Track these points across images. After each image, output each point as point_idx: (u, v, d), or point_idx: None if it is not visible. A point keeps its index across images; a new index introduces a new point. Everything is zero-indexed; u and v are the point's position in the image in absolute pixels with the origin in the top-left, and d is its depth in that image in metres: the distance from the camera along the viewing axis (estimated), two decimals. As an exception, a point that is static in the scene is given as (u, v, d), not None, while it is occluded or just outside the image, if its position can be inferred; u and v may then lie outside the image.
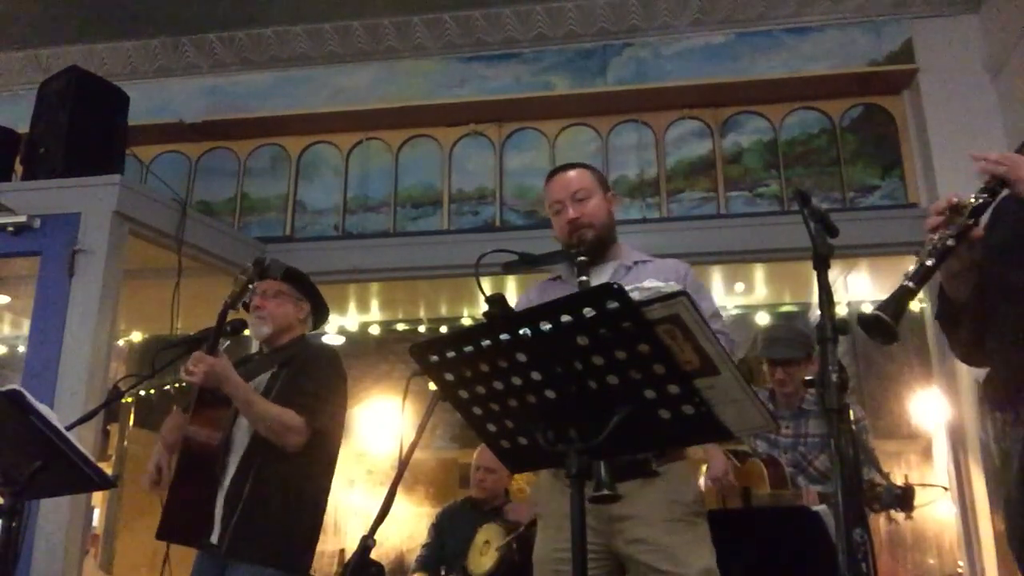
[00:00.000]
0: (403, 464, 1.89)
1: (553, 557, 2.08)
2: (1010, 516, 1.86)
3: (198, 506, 2.56)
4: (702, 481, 3.10)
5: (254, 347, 3.70)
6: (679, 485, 2.08)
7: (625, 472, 1.99)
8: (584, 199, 2.30)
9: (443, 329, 5.28)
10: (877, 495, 2.65)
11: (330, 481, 2.73)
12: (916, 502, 2.65)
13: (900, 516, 2.65)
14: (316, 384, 2.62)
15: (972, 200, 1.72)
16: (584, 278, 2.16)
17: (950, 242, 1.69)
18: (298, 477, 2.57)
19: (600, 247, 2.29)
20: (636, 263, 2.31)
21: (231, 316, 2.86)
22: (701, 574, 1.96)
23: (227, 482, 2.57)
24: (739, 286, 4.80)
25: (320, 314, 2.97)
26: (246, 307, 2.84)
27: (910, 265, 1.67)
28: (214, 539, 2.53)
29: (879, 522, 3.63)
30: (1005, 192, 1.75)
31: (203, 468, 2.58)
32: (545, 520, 2.19)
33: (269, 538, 2.49)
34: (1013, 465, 1.82)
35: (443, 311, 5.33)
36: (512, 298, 1.55)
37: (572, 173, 2.37)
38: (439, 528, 4.04)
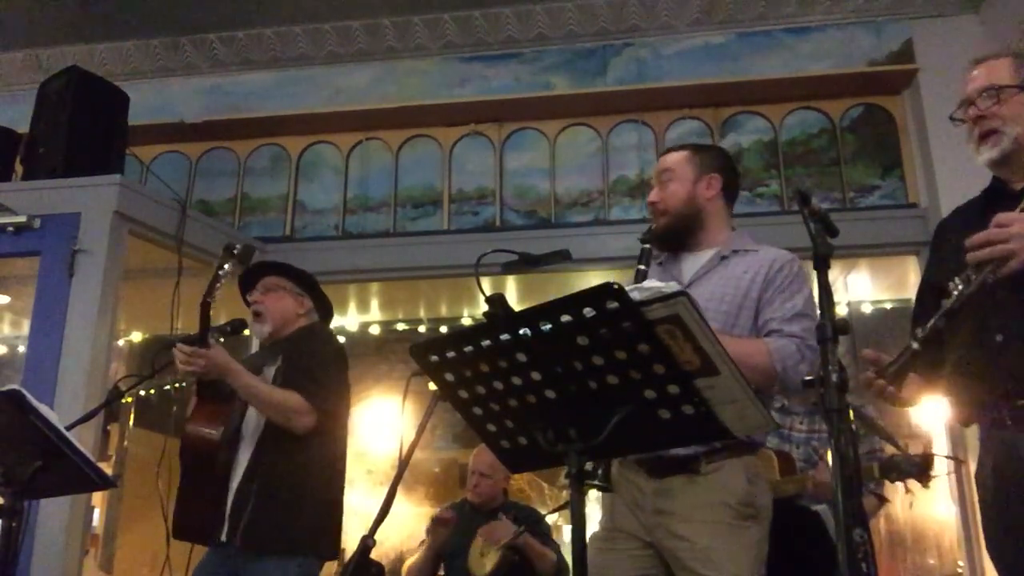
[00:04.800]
0: (403, 464, 1.89)
1: (600, 536, 2.08)
2: (987, 520, 1.87)
3: (208, 504, 2.54)
4: None
5: (254, 348, 3.70)
6: (727, 484, 1.96)
7: (668, 467, 1.97)
8: (667, 181, 2.17)
9: (443, 329, 5.28)
10: (895, 464, 2.62)
11: (343, 462, 2.68)
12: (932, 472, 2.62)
13: (916, 486, 2.62)
14: (315, 363, 2.57)
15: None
16: (643, 267, 2.08)
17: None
18: (309, 464, 2.52)
19: (678, 235, 2.16)
20: (736, 251, 2.14)
21: (232, 316, 2.85)
22: None
23: (238, 478, 2.53)
24: (739, 286, 4.79)
25: (324, 311, 2.89)
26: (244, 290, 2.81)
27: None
28: (223, 536, 2.50)
29: (879, 523, 3.63)
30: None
31: (206, 465, 2.56)
32: (606, 502, 2.14)
33: (287, 529, 2.45)
34: (987, 469, 1.84)
35: (443, 311, 5.31)
36: (512, 298, 1.55)
37: (669, 154, 2.24)
38: (439, 528, 4.03)
